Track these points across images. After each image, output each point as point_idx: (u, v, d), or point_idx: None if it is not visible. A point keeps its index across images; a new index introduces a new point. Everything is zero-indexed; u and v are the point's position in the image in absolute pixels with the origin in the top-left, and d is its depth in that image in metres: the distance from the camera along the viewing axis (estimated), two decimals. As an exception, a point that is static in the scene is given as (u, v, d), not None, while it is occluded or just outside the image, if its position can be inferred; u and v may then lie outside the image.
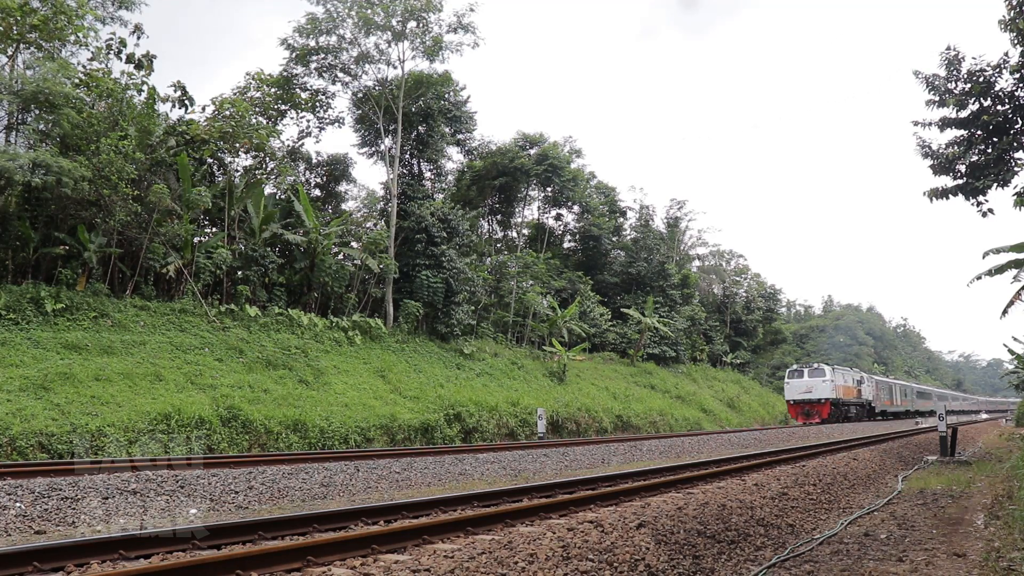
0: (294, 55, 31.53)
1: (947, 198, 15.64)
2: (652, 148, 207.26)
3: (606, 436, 28.90)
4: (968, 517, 9.75)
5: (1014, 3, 13.55)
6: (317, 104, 32.64)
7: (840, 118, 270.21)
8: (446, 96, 35.97)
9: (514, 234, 47.23)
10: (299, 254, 28.09)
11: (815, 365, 40.37)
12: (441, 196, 37.61)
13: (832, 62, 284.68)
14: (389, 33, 31.96)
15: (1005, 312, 20.23)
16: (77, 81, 21.42)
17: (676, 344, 48.65)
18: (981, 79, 14.49)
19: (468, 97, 38.27)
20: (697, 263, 66.06)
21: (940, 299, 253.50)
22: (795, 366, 42.85)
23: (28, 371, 16.24)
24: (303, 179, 34.13)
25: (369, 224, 35.30)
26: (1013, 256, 18.62)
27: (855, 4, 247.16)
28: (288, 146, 32.66)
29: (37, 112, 21.33)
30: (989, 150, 14.88)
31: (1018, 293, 19.57)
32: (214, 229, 27.26)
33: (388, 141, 34.00)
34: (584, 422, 30.31)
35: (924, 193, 15.97)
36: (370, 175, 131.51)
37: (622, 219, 53.69)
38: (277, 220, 28.11)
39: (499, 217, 46.58)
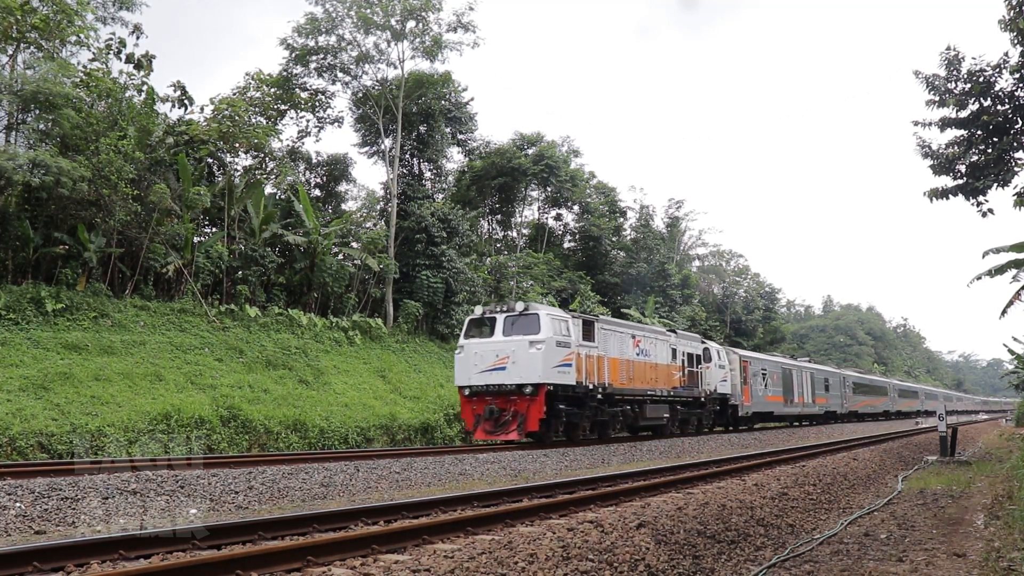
0: (293, 55, 31.54)
1: (947, 198, 15.65)
2: (652, 148, 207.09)
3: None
4: (968, 517, 9.75)
5: (1014, 3, 13.55)
6: (317, 104, 32.65)
7: (840, 118, 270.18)
8: (447, 96, 35.96)
9: (514, 234, 47.21)
10: (299, 254, 28.09)
11: (519, 308, 17.78)
12: (441, 196, 37.60)
13: (832, 62, 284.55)
14: (388, 33, 31.97)
15: (1005, 312, 20.21)
16: (77, 81, 21.41)
17: (676, 344, 48.56)
18: (981, 79, 14.49)
19: (471, 99, 38.33)
20: (697, 263, 66.09)
21: (940, 299, 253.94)
22: (478, 311, 18.77)
23: (28, 371, 16.24)
24: (303, 179, 34.11)
25: (369, 224, 35.30)
26: (1013, 256, 18.60)
27: (855, 4, 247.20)
28: (288, 146, 32.68)
29: (37, 112, 21.34)
30: (989, 150, 14.88)
31: (1018, 293, 19.55)
32: (214, 229, 27.26)
33: (388, 141, 33.99)
34: (584, 422, 30.25)
35: (924, 193, 15.98)
36: (370, 175, 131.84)
37: (622, 219, 53.61)
38: (277, 220, 28.11)
39: (499, 217, 46.56)
